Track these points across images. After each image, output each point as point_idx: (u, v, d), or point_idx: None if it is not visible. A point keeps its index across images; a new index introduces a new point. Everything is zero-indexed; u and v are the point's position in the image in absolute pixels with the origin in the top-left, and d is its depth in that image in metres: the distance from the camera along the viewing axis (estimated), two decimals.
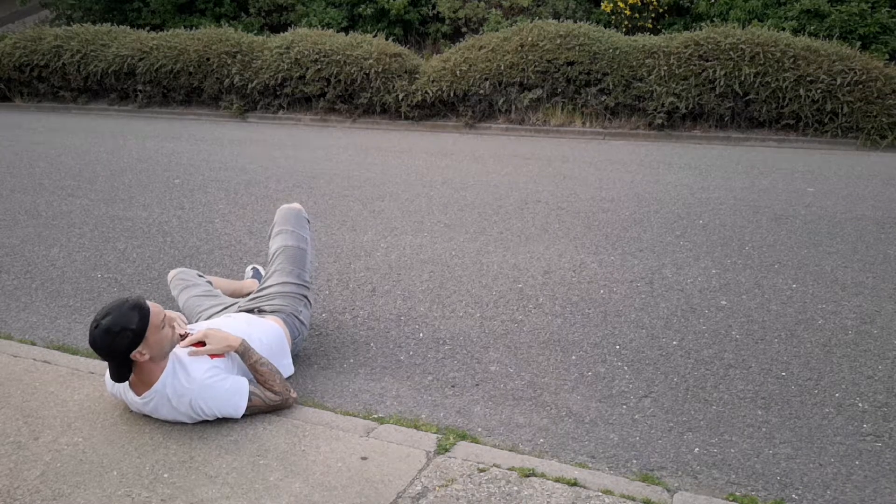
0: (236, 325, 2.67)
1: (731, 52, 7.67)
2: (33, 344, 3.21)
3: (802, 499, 2.20)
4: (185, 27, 11.16)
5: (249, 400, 2.46)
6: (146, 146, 7.80)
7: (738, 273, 3.92)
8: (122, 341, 2.24)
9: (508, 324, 3.39)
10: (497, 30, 9.79)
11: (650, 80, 7.94)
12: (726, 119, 7.91)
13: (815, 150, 7.33)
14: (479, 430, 2.56)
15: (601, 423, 2.60)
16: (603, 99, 8.21)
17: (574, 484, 2.15)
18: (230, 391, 2.44)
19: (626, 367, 2.98)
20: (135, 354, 2.28)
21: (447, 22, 11.23)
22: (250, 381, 2.54)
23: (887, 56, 8.32)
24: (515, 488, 2.13)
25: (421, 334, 3.31)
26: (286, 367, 2.80)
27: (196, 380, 2.40)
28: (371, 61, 8.94)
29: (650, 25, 10.05)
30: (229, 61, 9.66)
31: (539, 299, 3.64)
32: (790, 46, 7.59)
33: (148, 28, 11.50)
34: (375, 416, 2.64)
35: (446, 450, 2.33)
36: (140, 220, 5.06)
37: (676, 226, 4.73)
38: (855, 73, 7.34)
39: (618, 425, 2.59)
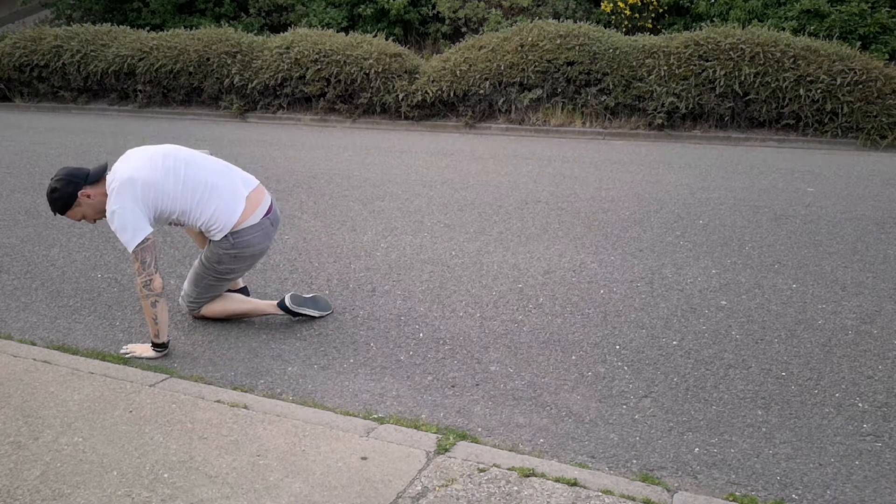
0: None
1: (731, 52, 7.67)
2: (33, 344, 3.21)
3: (802, 499, 2.20)
4: (185, 27, 11.16)
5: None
6: None
7: (738, 273, 3.92)
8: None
9: (508, 324, 3.39)
10: (497, 30, 9.79)
11: (650, 80, 7.94)
12: (726, 119, 7.91)
13: (815, 150, 7.33)
14: (479, 430, 2.56)
15: (601, 423, 2.60)
16: (603, 99, 8.21)
17: (574, 484, 2.15)
18: None
19: (626, 367, 2.98)
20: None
21: (447, 22, 11.23)
22: None
23: (887, 56, 8.32)
24: (515, 488, 2.13)
25: (421, 334, 3.31)
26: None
27: None
28: (371, 61, 8.94)
29: (650, 25, 10.04)
30: (229, 61, 9.66)
31: (539, 299, 3.64)
32: (790, 46, 7.59)
33: (148, 28, 11.49)
34: (375, 416, 2.64)
35: (446, 450, 2.33)
36: None
37: (676, 226, 4.73)
38: (855, 73, 7.35)
39: (618, 425, 2.59)
